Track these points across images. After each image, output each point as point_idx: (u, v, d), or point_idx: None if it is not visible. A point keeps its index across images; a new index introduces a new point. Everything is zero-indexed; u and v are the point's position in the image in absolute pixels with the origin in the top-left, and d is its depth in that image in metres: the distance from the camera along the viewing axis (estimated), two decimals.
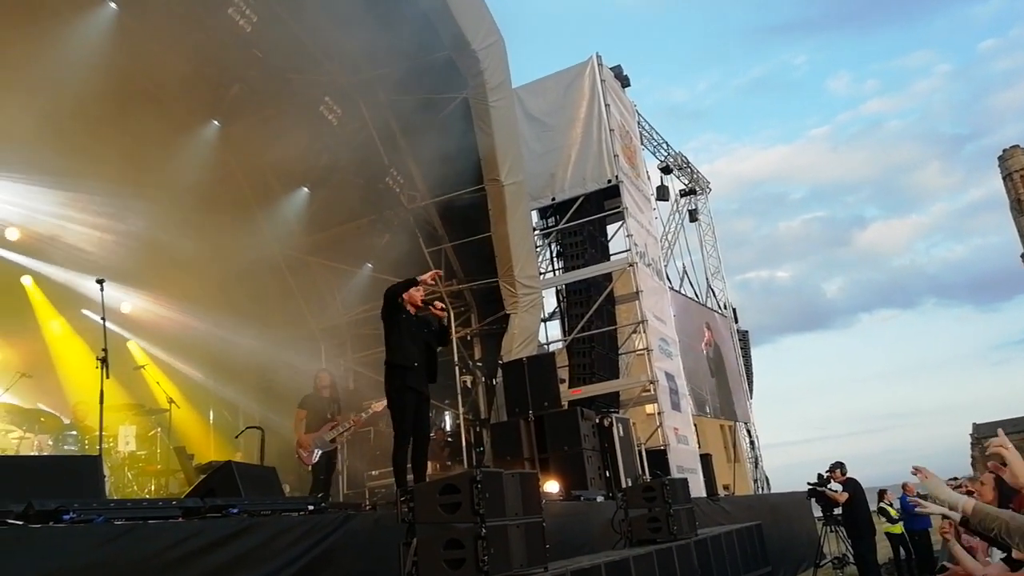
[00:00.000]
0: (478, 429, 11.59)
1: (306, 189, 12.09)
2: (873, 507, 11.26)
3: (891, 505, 12.10)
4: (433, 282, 6.45)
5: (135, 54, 8.90)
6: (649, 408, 12.87)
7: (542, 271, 12.77)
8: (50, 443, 8.77)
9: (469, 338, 12.35)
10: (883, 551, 11.49)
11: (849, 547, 9.86)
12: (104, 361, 6.04)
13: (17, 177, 9.72)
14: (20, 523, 3.23)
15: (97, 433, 8.53)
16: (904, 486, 11.37)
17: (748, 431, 19.06)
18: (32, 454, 8.52)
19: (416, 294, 6.29)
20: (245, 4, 8.77)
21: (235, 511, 4.12)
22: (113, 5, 8.54)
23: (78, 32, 8.50)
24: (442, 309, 6.40)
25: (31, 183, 9.86)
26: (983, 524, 3.13)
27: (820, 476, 10.14)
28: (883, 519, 11.95)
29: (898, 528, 11.79)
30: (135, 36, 8.75)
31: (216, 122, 10.74)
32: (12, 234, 10.45)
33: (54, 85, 8.46)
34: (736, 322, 19.75)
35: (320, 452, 7.55)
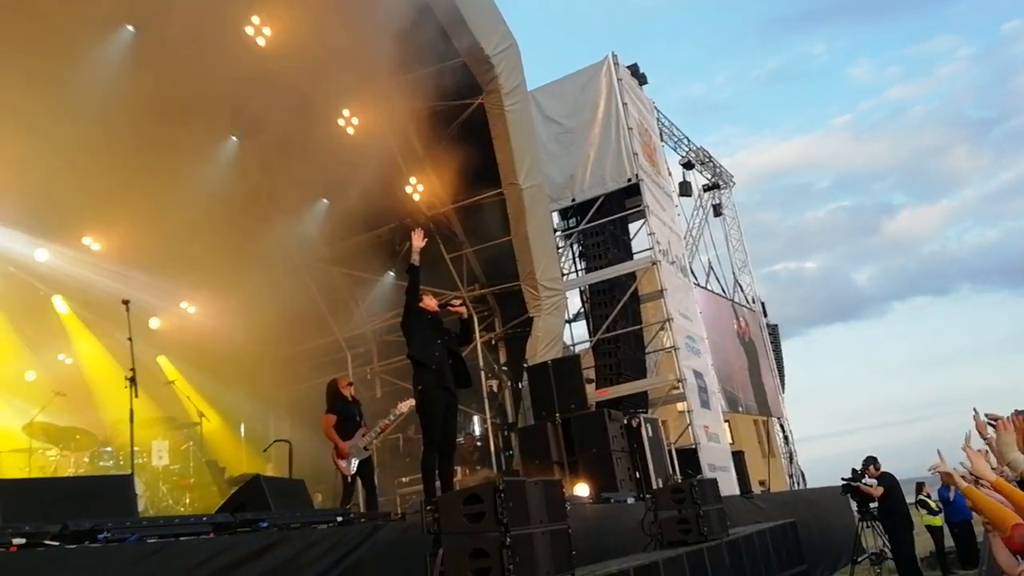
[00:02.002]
0: (506, 433, 11.60)
1: (326, 200, 12.19)
2: (911, 499, 11.08)
3: (930, 497, 11.90)
4: (422, 242, 6.38)
5: (153, 74, 9.02)
6: (680, 406, 12.78)
7: (565, 272, 12.74)
8: (86, 460, 8.93)
9: (494, 342, 12.37)
10: (925, 544, 11.30)
11: (886, 542, 9.71)
12: (133, 381, 6.12)
13: (42, 198, 9.89)
14: (56, 544, 3.28)
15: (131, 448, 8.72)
16: (943, 475, 11.15)
17: (781, 426, 18.85)
18: (68, 474, 8.69)
19: (430, 301, 6.33)
20: (260, 20, 8.88)
21: (265, 525, 4.16)
22: (131, 27, 8.68)
23: (98, 55, 8.64)
24: (461, 305, 6.43)
25: (57, 202, 10.04)
26: None
27: (854, 471, 10.00)
28: (923, 511, 11.75)
29: (938, 520, 11.58)
30: (153, 56, 8.87)
31: (235, 137, 10.87)
32: (42, 255, 10.66)
33: (76, 108, 8.61)
34: (765, 316, 19.55)
35: (357, 461, 7.47)
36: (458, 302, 6.57)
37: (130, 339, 6.30)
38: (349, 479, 7.38)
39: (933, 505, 11.69)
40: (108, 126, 9.05)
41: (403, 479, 11.10)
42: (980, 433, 3.07)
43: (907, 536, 9.62)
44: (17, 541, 3.17)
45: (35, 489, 4.39)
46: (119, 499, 4.27)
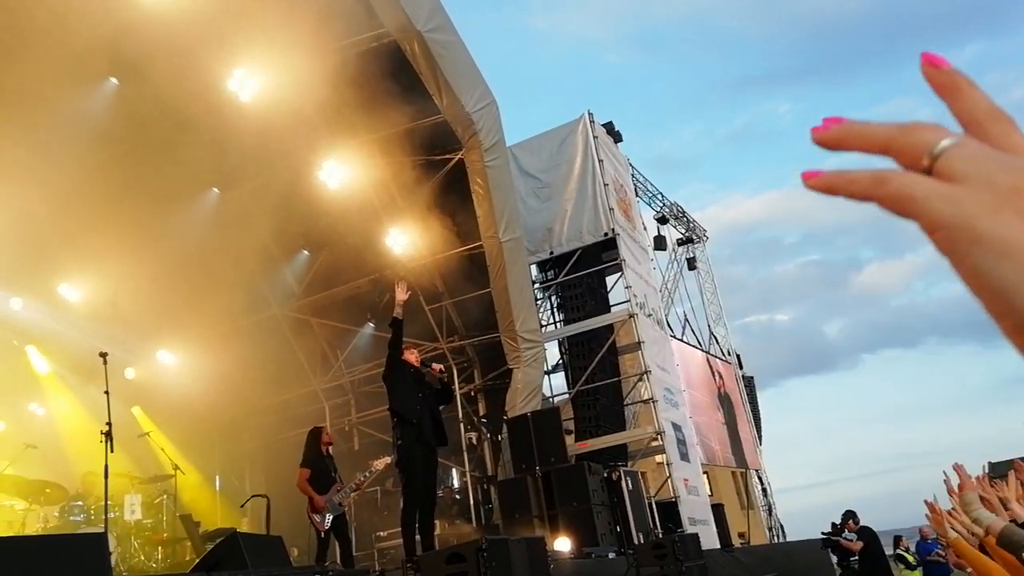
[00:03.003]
0: (485, 486, 11.48)
1: (306, 252, 12.23)
2: (889, 552, 11.08)
3: (908, 551, 11.91)
4: (406, 295, 6.43)
5: (135, 126, 9.11)
6: (659, 458, 12.75)
7: (543, 324, 12.80)
8: (56, 515, 8.71)
9: (473, 394, 12.34)
10: None
11: None
12: (108, 435, 6.02)
13: (20, 247, 9.83)
14: None
15: (102, 503, 8.51)
16: (920, 531, 11.21)
17: (760, 478, 18.83)
18: (36, 528, 8.46)
19: (411, 356, 6.36)
20: (244, 74, 9.01)
21: None
22: (114, 80, 8.78)
23: (79, 106, 8.71)
24: (441, 371, 6.46)
25: (35, 251, 9.98)
26: (1013, 545, 3.00)
27: (833, 525, 10.02)
28: (901, 566, 11.74)
29: (917, 574, 11.58)
30: (135, 108, 8.97)
31: (216, 189, 10.93)
32: (16, 304, 10.55)
33: (56, 157, 8.65)
34: (741, 368, 19.68)
35: (331, 516, 7.37)
36: (438, 367, 6.59)
37: (107, 392, 6.21)
38: (323, 534, 7.28)
39: (911, 559, 11.69)
40: (88, 175, 9.08)
41: (381, 533, 10.92)
42: (949, 492, 3.10)
43: None
44: None
45: (3, 550, 4.27)
46: (92, 559, 4.17)
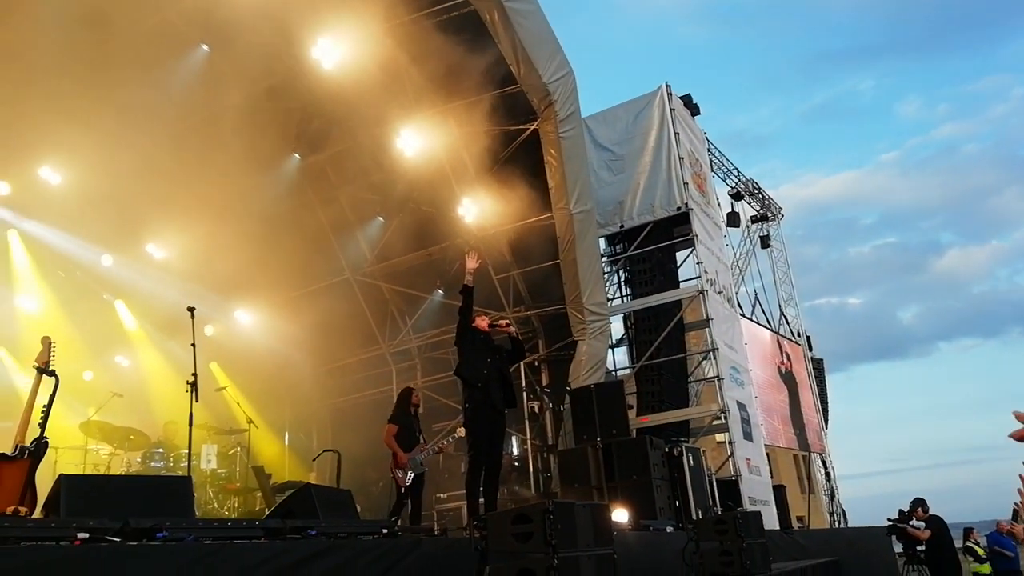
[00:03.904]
0: (545, 455, 11.61)
1: (380, 218, 12.47)
2: (958, 545, 10.79)
3: (978, 544, 11.57)
4: (476, 263, 6.51)
5: (224, 91, 9.39)
6: (720, 436, 12.63)
7: (610, 298, 12.76)
8: (138, 460, 9.22)
9: (537, 364, 12.43)
10: None
11: None
12: (194, 385, 6.32)
13: (111, 207, 10.31)
14: (118, 540, 3.41)
15: (182, 451, 8.97)
16: (998, 524, 10.87)
17: (823, 462, 18.48)
18: (120, 472, 8.98)
19: (482, 321, 6.46)
20: (328, 42, 9.18)
21: (313, 533, 4.27)
22: (205, 47, 9.06)
23: (172, 71, 9.06)
24: (508, 324, 6.55)
25: (124, 210, 10.45)
26: None
27: (901, 512, 9.79)
28: (970, 559, 11.42)
29: (986, 568, 11.25)
30: (224, 74, 9.24)
31: (297, 155, 11.21)
32: (107, 261, 11.09)
33: (147, 121, 9.02)
34: (811, 350, 19.27)
35: (413, 474, 7.44)
36: (505, 321, 6.68)
37: (193, 345, 6.51)
38: (403, 489, 7.40)
39: (981, 552, 11.36)
40: (174, 140, 9.46)
41: (441, 495, 11.17)
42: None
43: None
44: (81, 535, 3.29)
45: (98, 485, 4.56)
46: (178, 500, 4.42)
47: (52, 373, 4.77)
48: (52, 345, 4.81)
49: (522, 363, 11.23)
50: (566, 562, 3.59)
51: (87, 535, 3.31)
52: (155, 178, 9.71)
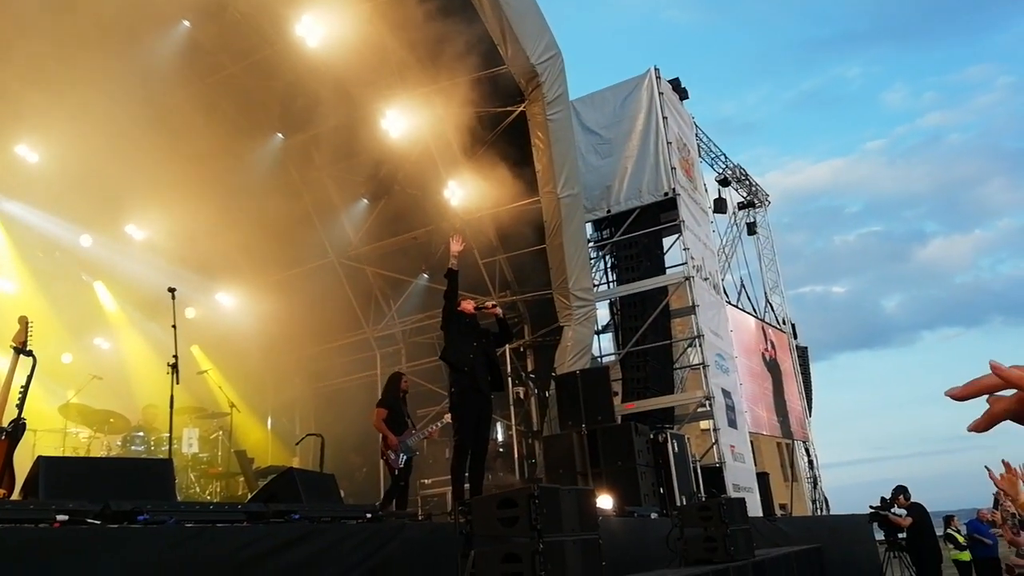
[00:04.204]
0: (530, 441, 11.59)
1: (365, 200, 12.33)
2: (940, 532, 10.91)
3: (958, 531, 11.70)
4: (460, 247, 6.46)
5: (205, 69, 9.23)
6: (704, 423, 12.67)
7: (596, 283, 12.72)
8: (118, 444, 9.11)
9: (522, 350, 12.38)
10: None
11: (913, 573, 9.56)
12: (175, 368, 6.22)
13: (90, 186, 10.12)
14: (97, 523, 3.35)
15: (162, 435, 8.85)
16: (979, 512, 11.00)
17: (807, 450, 18.63)
18: (100, 455, 8.87)
19: (467, 305, 6.40)
20: (311, 19, 9.03)
21: (297, 517, 4.21)
22: (187, 23, 8.88)
23: (152, 48, 8.86)
24: (494, 306, 6.50)
25: (104, 190, 10.26)
26: None
27: (883, 499, 9.87)
28: (950, 546, 11.55)
29: (966, 555, 11.38)
30: (206, 51, 9.07)
31: (280, 135, 11.05)
32: (86, 241, 10.90)
33: (127, 99, 8.84)
34: (796, 338, 19.36)
35: (405, 458, 7.42)
36: (491, 303, 6.63)
37: (174, 326, 6.41)
38: (396, 472, 7.34)
39: (961, 539, 11.49)
40: (155, 118, 9.28)
41: (425, 480, 11.13)
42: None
43: (935, 570, 9.47)
44: (60, 517, 3.22)
45: (78, 467, 4.48)
46: (159, 483, 4.35)
47: (29, 353, 4.66)
48: (29, 324, 4.70)
49: (508, 348, 11.19)
50: (551, 547, 3.56)
51: (66, 517, 3.24)
52: (135, 157, 9.53)
